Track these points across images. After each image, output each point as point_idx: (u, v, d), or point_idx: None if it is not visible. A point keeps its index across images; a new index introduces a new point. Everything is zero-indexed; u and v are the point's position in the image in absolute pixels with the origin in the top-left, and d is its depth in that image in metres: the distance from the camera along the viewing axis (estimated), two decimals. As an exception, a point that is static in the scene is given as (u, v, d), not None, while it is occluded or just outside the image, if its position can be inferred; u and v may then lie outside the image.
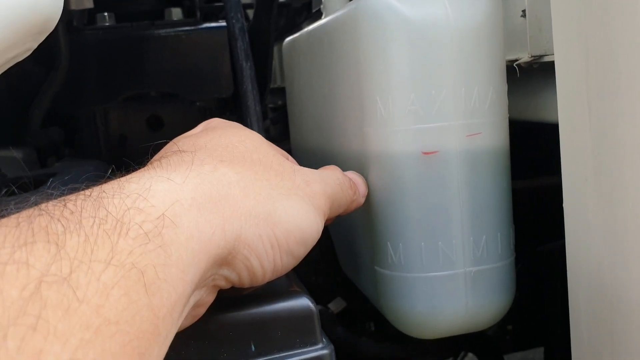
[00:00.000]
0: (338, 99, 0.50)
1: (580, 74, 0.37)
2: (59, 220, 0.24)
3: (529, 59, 0.47)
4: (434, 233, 0.41)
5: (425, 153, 0.41)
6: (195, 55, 0.72)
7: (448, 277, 0.42)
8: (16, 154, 0.75)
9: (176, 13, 0.74)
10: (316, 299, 0.70)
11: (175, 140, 0.41)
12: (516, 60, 0.50)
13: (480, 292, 0.42)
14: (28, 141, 0.70)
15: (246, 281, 0.32)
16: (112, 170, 0.65)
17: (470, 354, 0.73)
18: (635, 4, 0.32)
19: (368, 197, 0.44)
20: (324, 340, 0.34)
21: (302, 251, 0.34)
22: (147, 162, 0.37)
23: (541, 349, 0.81)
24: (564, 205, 0.40)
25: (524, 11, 0.49)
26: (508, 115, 0.44)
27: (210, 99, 0.75)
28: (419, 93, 0.40)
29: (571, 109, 0.39)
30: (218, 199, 0.31)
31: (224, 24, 0.73)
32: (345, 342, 0.62)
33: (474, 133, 0.41)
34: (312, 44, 0.58)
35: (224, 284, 0.32)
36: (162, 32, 0.71)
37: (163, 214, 0.27)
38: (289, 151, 0.55)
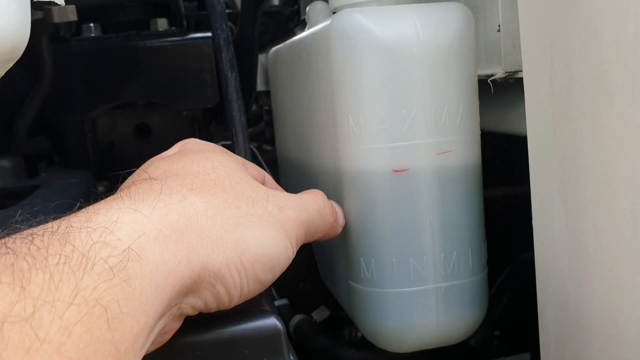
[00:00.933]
0: (315, 113, 0.50)
1: (546, 92, 0.38)
2: (24, 258, 0.25)
3: (504, 75, 0.48)
4: (405, 249, 0.42)
5: (396, 171, 0.41)
6: (180, 66, 0.73)
7: (419, 293, 0.42)
8: (3, 163, 0.75)
9: (162, 23, 0.74)
10: (303, 307, 0.71)
11: (149, 162, 0.41)
12: (492, 75, 0.50)
13: (452, 307, 0.43)
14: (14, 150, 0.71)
15: (213, 307, 0.33)
16: (97, 180, 0.64)
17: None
18: (595, 26, 0.32)
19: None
20: (291, 359, 0.35)
21: (269, 277, 0.35)
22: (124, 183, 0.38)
23: (527, 355, 0.82)
24: (532, 219, 0.41)
25: (499, 26, 0.50)
26: (480, 132, 0.44)
27: (197, 109, 0.76)
28: (390, 112, 0.41)
29: (538, 126, 0.39)
30: (185, 229, 0.31)
31: (209, 34, 0.73)
32: (326, 351, 0.62)
33: (444, 151, 0.42)
34: (292, 57, 0.58)
35: (190, 312, 0.33)
36: (148, 42, 0.72)
37: (129, 247, 0.28)
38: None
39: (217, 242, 0.32)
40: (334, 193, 0.45)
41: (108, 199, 0.32)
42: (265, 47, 0.93)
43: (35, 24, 0.59)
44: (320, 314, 0.67)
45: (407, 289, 0.42)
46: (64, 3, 0.53)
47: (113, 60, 0.72)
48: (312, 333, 0.63)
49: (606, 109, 0.33)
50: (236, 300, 0.33)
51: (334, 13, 0.45)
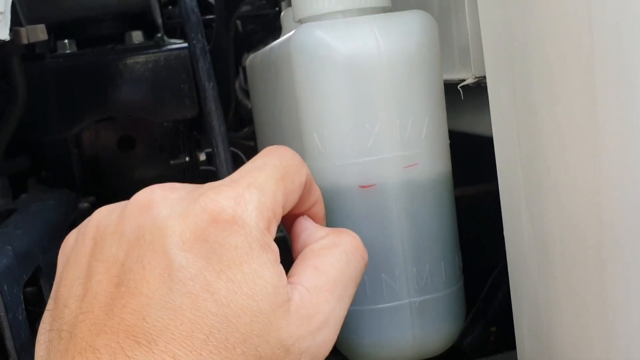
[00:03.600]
0: (284, 128, 0.49)
1: (509, 96, 0.37)
2: None
3: (474, 80, 0.47)
4: (376, 265, 0.41)
5: (363, 187, 0.41)
6: (158, 78, 0.72)
7: (393, 309, 0.42)
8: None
9: (137, 36, 0.74)
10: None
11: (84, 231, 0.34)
12: (464, 80, 0.49)
13: (427, 321, 0.42)
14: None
15: None
16: (77, 198, 0.64)
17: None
18: (552, 27, 0.32)
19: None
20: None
21: None
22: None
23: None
24: (503, 225, 0.40)
25: (468, 30, 0.49)
26: (448, 142, 0.43)
27: (177, 120, 0.75)
28: (354, 127, 0.40)
29: (503, 130, 0.39)
30: None
31: (185, 44, 0.73)
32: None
33: (410, 164, 0.41)
34: (263, 67, 0.57)
35: None
36: (123, 57, 0.71)
37: None
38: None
39: None
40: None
41: None
42: (256, 45, 0.92)
43: (4, 46, 0.59)
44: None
45: (381, 305, 0.42)
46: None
47: (89, 76, 0.71)
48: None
49: (566, 110, 0.32)
50: None
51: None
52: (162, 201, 0.31)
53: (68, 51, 0.72)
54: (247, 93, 0.89)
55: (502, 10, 0.36)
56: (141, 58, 0.71)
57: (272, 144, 0.58)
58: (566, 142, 0.32)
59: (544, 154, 0.34)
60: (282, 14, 0.71)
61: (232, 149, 0.86)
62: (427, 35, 0.42)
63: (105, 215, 0.33)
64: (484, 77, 0.47)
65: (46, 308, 0.33)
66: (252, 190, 0.32)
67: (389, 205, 0.41)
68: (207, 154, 0.88)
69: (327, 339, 0.32)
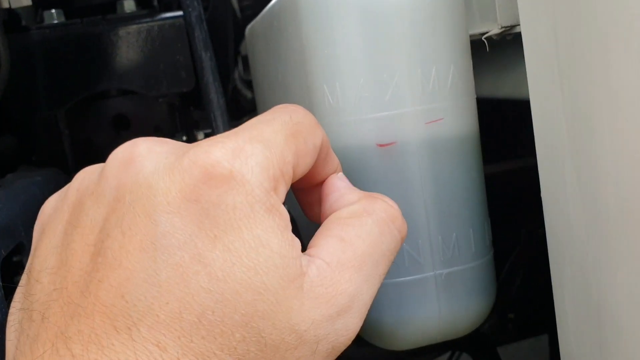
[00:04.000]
0: (289, 87, 0.45)
1: (550, 45, 0.33)
2: None
3: (499, 31, 0.42)
4: (397, 234, 0.37)
5: (381, 145, 0.36)
6: (151, 49, 0.67)
7: (416, 282, 0.37)
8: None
9: (129, 5, 0.69)
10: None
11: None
12: (487, 32, 0.45)
13: (454, 296, 0.38)
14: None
15: None
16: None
17: (464, 354, 0.69)
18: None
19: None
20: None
21: None
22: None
23: (546, 337, 0.77)
24: (541, 190, 0.36)
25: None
26: (475, 96, 0.39)
27: (172, 94, 0.70)
28: (369, 77, 0.36)
29: (542, 85, 0.34)
30: None
31: (180, 13, 0.68)
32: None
33: (434, 119, 0.36)
34: (265, 29, 0.53)
35: None
36: (114, 27, 0.66)
37: None
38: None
39: None
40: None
41: None
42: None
43: (-17, 12, 0.54)
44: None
45: (403, 278, 0.37)
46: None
47: (78, 48, 0.66)
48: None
49: (622, 56, 0.27)
50: None
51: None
52: (146, 155, 0.26)
53: (55, 22, 0.67)
54: (246, 83, 0.85)
55: None
56: (133, 28, 0.66)
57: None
58: (626, 96, 0.27)
59: (596, 112, 0.29)
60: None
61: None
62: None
63: (86, 176, 0.29)
64: (512, 27, 0.43)
65: (19, 284, 0.28)
66: (255, 144, 0.26)
67: (411, 166, 0.36)
68: (206, 135, 0.84)
69: (349, 326, 0.27)
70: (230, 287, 0.23)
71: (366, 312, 0.28)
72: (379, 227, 0.29)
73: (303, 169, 0.29)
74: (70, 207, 0.28)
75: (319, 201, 0.32)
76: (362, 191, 0.32)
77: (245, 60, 0.76)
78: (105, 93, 0.71)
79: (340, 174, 0.32)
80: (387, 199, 0.31)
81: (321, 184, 0.32)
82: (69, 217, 0.27)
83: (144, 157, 0.26)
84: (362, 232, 0.28)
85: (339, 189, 0.31)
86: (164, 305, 0.23)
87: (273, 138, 0.27)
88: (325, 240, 0.28)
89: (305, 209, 0.32)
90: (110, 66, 0.67)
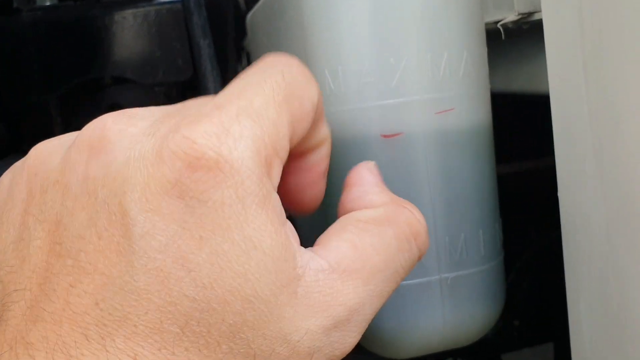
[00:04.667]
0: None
1: (573, 33, 0.30)
2: None
3: (516, 18, 0.40)
4: (400, 233, 0.34)
5: (385, 136, 0.33)
6: (147, 35, 0.65)
7: (420, 286, 0.34)
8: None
9: (125, -12, 0.66)
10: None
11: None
12: (501, 20, 0.42)
13: (461, 301, 0.35)
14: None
15: None
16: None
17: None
18: None
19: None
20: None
21: None
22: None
23: (551, 345, 0.74)
24: (558, 192, 0.33)
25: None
26: (490, 86, 0.36)
27: (169, 83, 0.67)
28: (375, 62, 0.33)
29: (564, 78, 0.31)
30: None
31: (178, -2, 0.65)
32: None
33: (445, 109, 0.33)
34: (265, 14, 0.50)
35: None
36: (109, 10, 0.64)
37: None
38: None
39: None
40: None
41: None
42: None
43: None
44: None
45: (406, 282, 0.34)
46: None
47: (71, 32, 0.64)
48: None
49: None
50: None
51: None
52: (117, 140, 0.23)
53: (48, 4, 0.64)
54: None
55: None
56: (129, 12, 0.64)
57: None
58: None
59: (625, 107, 0.26)
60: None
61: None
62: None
63: (46, 157, 0.25)
64: (530, 15, 0.40)
65: None
66: (244, 121, 0.23)
67: (417, 159, 0.33)
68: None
69: (345, 340, 0.24)
70: (217, 295, 0.21)
71: (365, 327, 0.25)
72: (399, 242, 0.26)
73: (300, 134, 0.26)
74: (29, 193, 0.24)
75: (310, 183, 0.29)
76: (389, 192, 0.28)
77: (248, 56, 0.73)
78: (100, 80, 0.68)
79: (372, 164, 0.29)
80: (415, 210, 0.27)
81: (308, 152, 0.28)
82: (27, 205, 0.24)
83: (115, 142, 0.23)
84: (379, 243, 0.25)
85: (366, 183, 0.28)
86: (142, 314, 0.20)
87: (264, 108, 0.24)
88: (337, 241, 0.25)
89: (287, 195, 0.28)
90: (104, 52, 0.64)
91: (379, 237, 0.26)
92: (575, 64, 0.30)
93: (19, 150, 0.73)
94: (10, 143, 0.71)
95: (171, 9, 0.64)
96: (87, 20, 0.63)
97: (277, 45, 0.46)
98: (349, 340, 0.24)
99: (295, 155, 0.28)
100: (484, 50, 0.35)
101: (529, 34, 0.42)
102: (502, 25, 0.40)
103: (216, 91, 0.62)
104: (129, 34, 0.64)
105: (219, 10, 0.65)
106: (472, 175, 0.34)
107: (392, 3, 0.32)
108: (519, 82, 0.46)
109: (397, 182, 0.33)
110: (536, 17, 0.39)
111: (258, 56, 0.60)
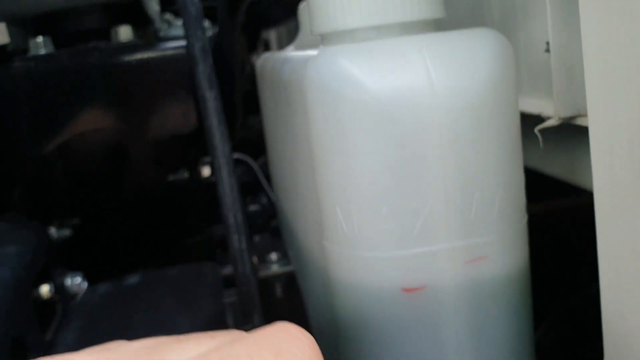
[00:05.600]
0: (298, 178, 0.37)
1: (621, 141, 0.24)
2: None
3: (557, 122, 0.34)
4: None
5: (407, 290, 0.28)
6: (149, 84, 0.60)
7: None
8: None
9: (125, 32, 0.61)
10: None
11: None
12: (538, 115, 0.36)
13: None
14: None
15: None
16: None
17: None
18: None
19: (334, 332, 0.32)
20: None
21: None
22: None
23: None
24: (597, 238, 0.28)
25: (547, 44, 0.35)
26: (526, 221, 0.31)
27: (171, 136, 0.63)
28: (394, 205, 0.28)
29: (611, 194, 0.26)
30: None
31: (182, 43, 0.60)
32: None
33: (476, 258, 0.28)
34: (274, 84, 0.45)
35: None
36: (107, 58, 0.59)
37: None
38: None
39: None
40: (324, 302, 0.33)
41: None
42: (278, 22, 0.79)
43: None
44: None
45: None
46: None
47: (67, 82, 0.59)
48: None
49: None
50: None
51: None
52: None
53: (43, 51, 0.60)
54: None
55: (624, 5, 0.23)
56: (129, 60, 0.59)
57: (284, 181, 0.46)
58: None
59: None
60: (300, 8, 0.58)
61: (237, 155, 0.74)
62: (501, 65, 0.29)
63: None
64: (572, 119, 0.35)
65: None
66: None
67: (444, 316, 0.28)
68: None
69: None
70: None
71: None
72: None
73: None
74: None
75: None
76: None
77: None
78: (100, 130, 0.64)
79: None
80: None
81: None
82: None
83: None
84: None
85: None
86: None
87: None
88: None
89: None
90: (100, 103, 0.59)
91: None
92: (623, 177, 0.25)
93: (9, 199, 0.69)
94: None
95: (175, 56, 0.59)
96: (83, 69, 0.59)
97: (285, 131, 0.41)
98: None
99: None
100: (521, 178, 0.30)
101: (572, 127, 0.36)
102: (539, 130, 0.34)
103: (223, 148, 0.57)
104: (128, 84, 0.59)
105: (226, 57, 0.60)
106: (507, 329, 0.29)
107: (412, 134, 0.27)
108: (553, 168, 0.41)
109: (419, 341, 0.29)
110: (579, 121, 0.34)
111: (266, 108, 0.55)
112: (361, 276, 0.29)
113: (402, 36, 0.29)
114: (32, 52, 0.60)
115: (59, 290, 0.55)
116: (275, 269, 0.65)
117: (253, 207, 0.80)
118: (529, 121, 0.36)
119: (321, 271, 0.33)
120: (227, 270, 0.60)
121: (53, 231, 0.65)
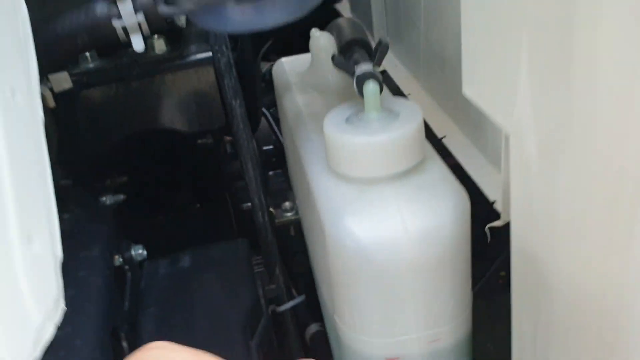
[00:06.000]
0: (313, 228, 0.51)
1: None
2: None
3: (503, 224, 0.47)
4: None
5: (389, 358, 0.44)
6: (183, 89, 0.71)
7: None
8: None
9: (159, 45, 0.71)
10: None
11: None
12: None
13: None
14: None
15: None
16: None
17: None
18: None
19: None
20: None
21: None
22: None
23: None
24: None
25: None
26: (471, 310, 0.45)
27: (205, 131, 0.75)
28: (381, 315, 0.43)
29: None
30: None
31: (209, 53, 0.70)
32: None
33: (434, 340, 0.44)
34: (294, 125, 0.57)
35: None
36: (147, 70, 0.70)
37: None
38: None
39: None
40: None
41: None
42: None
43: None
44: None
45: None
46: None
47: (113, 92, 0.70)
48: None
49: None
50: None
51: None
52: None
53: (91, 65, 0.70)
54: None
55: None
56: (165, 71, 0.69)
57: (304, 212, 0.59)
58: None
59: None
60: (311, 36, 0.67)
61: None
62: (460, 216, 0.42)
63: None
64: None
65: None
66: None
67: (413, 374, 0.45)
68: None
69: None
70: None
71: None
72: None
73: None
74: None
75: None
76: None
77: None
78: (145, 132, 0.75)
79: None
80: None
81: None
82: None
83: None
84: None
85: None
86: None
87: None
88: None
89: None
90: (143, 109, 0.71)
91: None
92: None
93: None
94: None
95: (204, 65, 0.70)
96: (126, 81, 0.70)
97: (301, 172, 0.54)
98: None
99: None
100: (468, 286, 0.44)
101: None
102: (489, 228, 0.47)
103: (248, 146, 0.70)
104: (165, 90, 0.70)
105: (247, 67, 0.71)
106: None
107: (392, 273, 0.41)
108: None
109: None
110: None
111: (283, 109, 0.67)
112: (359, 348, 0.45)
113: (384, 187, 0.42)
114: (82, 64, 0.70)
115: (127, 261, 0.70)
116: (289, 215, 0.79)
117: (266, 147, 0.95)
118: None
119: (331, 322, 0.48)
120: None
121: (106, 198, 0.78)
